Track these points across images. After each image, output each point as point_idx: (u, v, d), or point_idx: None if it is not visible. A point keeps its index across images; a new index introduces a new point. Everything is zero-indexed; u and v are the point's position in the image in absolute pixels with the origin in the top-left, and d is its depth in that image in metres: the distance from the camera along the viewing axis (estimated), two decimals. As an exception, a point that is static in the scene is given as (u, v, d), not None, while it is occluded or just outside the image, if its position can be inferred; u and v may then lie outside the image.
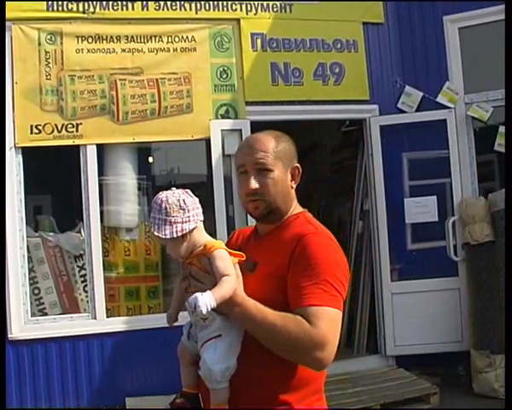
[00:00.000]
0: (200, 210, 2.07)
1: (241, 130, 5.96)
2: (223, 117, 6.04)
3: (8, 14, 5.35)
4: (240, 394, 1.99)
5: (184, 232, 1.99)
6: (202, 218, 2.07)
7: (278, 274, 2.02)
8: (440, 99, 6.39)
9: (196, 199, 2.07)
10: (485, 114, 6.27)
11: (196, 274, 1.99)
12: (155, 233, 1.99)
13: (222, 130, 5.93)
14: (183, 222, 1.99)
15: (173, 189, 2.07)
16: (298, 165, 2.21)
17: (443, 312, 6.21)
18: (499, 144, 6.15)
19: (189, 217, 2.01)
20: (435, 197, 6.32)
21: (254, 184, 2.10)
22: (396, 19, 6.63)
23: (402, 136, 6.55)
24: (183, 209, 2.01)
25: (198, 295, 1.85)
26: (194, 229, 2.02)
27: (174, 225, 1.98)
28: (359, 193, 6.99)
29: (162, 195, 2.03)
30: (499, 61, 5.44)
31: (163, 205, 2.00)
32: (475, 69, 6.46)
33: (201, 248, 2.02)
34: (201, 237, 2.05)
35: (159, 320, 5.78)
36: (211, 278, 1.96)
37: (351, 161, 7.54)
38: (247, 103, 6.12)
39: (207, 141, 5.96)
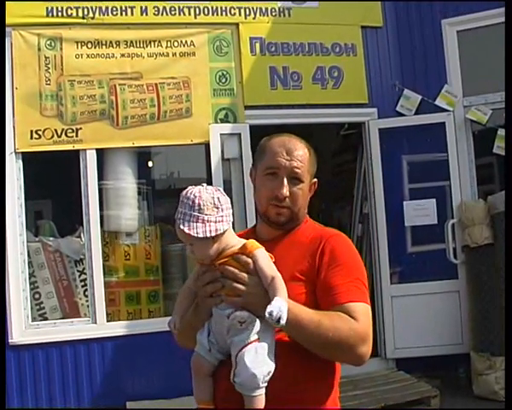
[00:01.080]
0: (231, 211, 1.95)
1: (240, 134, 5.97)
2: (222, 121, 6.05)
3: (8, 20, 5.38)
4: (277, 398, 1.91)
5: (218, 233, 1.88)
6: (232, 219, 1.95)
7: (305, 277, 2.01)
8: (439, 102, 6.40)
9: (228, 198, 1.95)
10: (484, 117, 6.28)
11: (235, 275, 1.89)
12: (186, 230, 1.85)
13: (221, 134, 5.94)
14: (216, 222, 1.87)
15: (204, 185, 1.94)
16: (316, 180, 2.21)
17: (443, 314, 6.22)
18: (498, 147, 6.16)
19: (222, 217, 1.89)
20: (434, 200, 6.32)
21: (287, 191, 2.07)
22: (394, 22, 6.64)
23: (401, 139, 6.56)
24: (218, 208, 1.89)
25: (278, 304, 1.76)
26: (226, 230, 1.92)
27: (207, 224, 1.86)
28: (359, 196, 7.00)
29: (194, 189, 1.90)
30: (498, 64, 5.45)
31: (196, 201, 1.87)
32: (474, 72, 6.47)
33: (239, 247, 1.93)
34: (232, 239, 1.96)
35: (159, 324, 5.81)
36: (255, 279, 1.89)
37: (350, 165, 7.55)
38: (247, 107, 6.13)
39: (207, 145, 5.97)
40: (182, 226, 1.86)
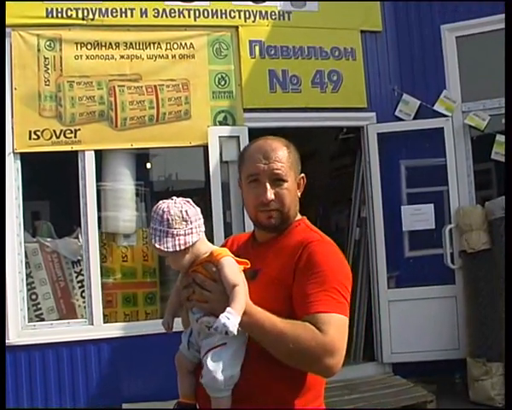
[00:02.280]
0: (202, 221, 2.02)
1: (238, 137, 5.97)
2: (221, 124, 6.06)
3: (8, 21, 5.37)
4: (244, 402, 1.96)
5: (187, 245, 1.95)
6: (204, 228, 2.03)
7: (283, 282, 2.01)
8: (438, 107, 6.41)
9: (198, 209, 2.03)
10: (483, 123, 6.29)
11: (202, 282, 1.95)
12: (157, 245, 1.93)
13: (220, 136, 5.95)
14: (185, 234, 1.95)
15: (174, 198, 2.01)
16: (303, 175, 2.20)
17: (439, 319, 6.22)
18: (496, 153, 6.17)
19: (191, 229, 1.96)
20: (432, 205, 6.33)
21: (271, 195, 2.08)
22: (394, 27, 6.65)
23: (399, 144, 6.56)
24: (186, 221, 1.96)
25: (224, 319, 1.80)
26: (197, 241, 1.98)
27: (177, 238, 1.93)
28: (357, 200, 7.00)
29: (163, 205, 1.97)
30: (496, 70, 5.47)
31: (165, 216, 1.94)
32: (472, 78, 6.48)
33: (207, 255, 1.99)
34: (204, 247, 2.02)
35: (156, 326, 5.77)
36: (218, 287, 1.93)
37: (348, 169, 7.55)
38: (245, 110, 6.13)
39: (205, 147, 5.98)
40: (153, 242, 1.94)
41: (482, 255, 5.97)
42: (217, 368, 1.89)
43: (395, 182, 6.52)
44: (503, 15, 5.07)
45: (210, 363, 1.91)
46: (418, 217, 6.32)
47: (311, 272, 1.97)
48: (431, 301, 6.21)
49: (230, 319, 1.80)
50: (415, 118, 6.47)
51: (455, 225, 6.23)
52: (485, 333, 5.85)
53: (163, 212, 1.95)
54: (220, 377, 1.89)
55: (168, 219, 1.93)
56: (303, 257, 2.01)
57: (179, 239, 1.93)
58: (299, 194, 2.18)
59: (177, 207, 1.97)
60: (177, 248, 1.93)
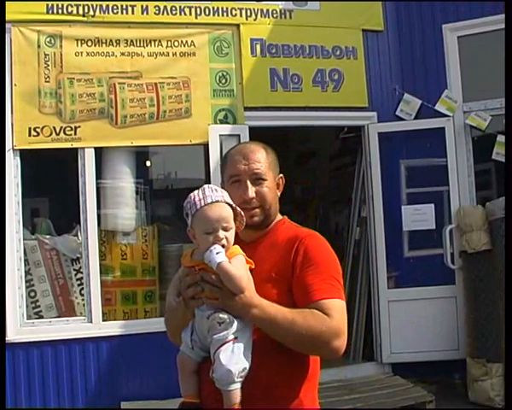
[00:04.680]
0: None
1: (239, 135, 5.96)
2: (221, 122, 6.04)
3: (8, 17, 5.35)
4: (253, 394, 2.02)
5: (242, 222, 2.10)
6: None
7: (281, 277, 2.12)
8: (439, 107, 6.40)
9: None
10: (484, 123, 6.28)
11: (212, 279, 1.97)
12: (213, 198, 2.04)
13: (220, 135, 5.93)
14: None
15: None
16: (281, 175, 2.33)
17: (439, 320, 6.21)
18: (497, 153, 6.16)
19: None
20: (433, 205, 6.32)
21: (252, 192, 2.20)
22: (395, 27, 6.65)
23: (400, 143, 6.55)
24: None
25: (217, 248, 1.95)
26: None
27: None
28: (357, 199, 6.99)
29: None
30: (498, 71, 5.45)
31: (219, 190, 2.08)
32: (474, 78, 6.47)
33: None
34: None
35: (155, 324, 5.79)
36: None
37: (349, 168, 7.55)
38: (246, 109, 6.12)
39: (205, 146, 5.96)
40: (205, 201, 2.05)
41: (482, 256, 5.95)
42: (230, 362, 1.95)
43: (396, 182, 6.51)
44: (504, 15, 5.05)
45: (223, 357, 1.96)
46: (418, 217, 6.31)
47: (309, 264, 2.11)
48: (431, 302, 6.21)
49: (218, 254, 1.95)
50: (416, 118, 6.46)
51: (455, 225, 6.22)
52: (485, 334, 5.84)
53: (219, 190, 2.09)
54: (234, 369, 1.94)
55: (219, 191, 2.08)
56: (300, 251, 2.14)
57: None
58: (278, 193, 2.31)
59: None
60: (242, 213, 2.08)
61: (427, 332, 6.16)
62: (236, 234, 2.21)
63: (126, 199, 6.23)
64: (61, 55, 5.72)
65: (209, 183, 5.92)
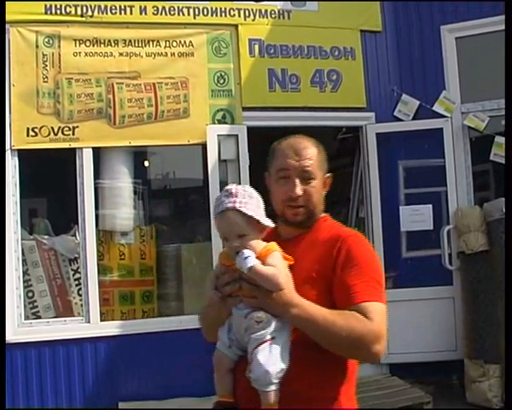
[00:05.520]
0: None
1: (237, 135, 5.97)
2: (219, 122, 6.04)
3: (6, 17, 5.34)
4: (290, 393, 1.98)
5: (264, 225, 2.01)
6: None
7: (321, 276, 2.07)
8: (437, 108, 6.40)
9: None
10: (482, 124, 6.29)
11: (251, 278, 1.94)
12: (237, 206, 1.97)
13: (218, 135, 5.94)
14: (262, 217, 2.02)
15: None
16: (330, 174, 2.26)
17: (437, 321, 6.21)
18: (495, 154, 6.17)
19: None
20: (431, 206, 6.32)
21: (300, 190, 2.14)
22: (394, 27, 6.65)
23: (398, 144, 6.56)
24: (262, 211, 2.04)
25: (245, 253, 1.90)
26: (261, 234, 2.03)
27: (260, 213, 2.00)
28: (355, 200, 7.00)
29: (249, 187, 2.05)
30: (496, 72, 5.46)
31: (254, 194, 2.02)
32: (472, 79, 6.48)
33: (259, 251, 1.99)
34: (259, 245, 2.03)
35: (153, 325, 5.81)
36: None
37: (347, 168, 7.54)
38: (244, 109, 6.12)
39: (204, 146, 5.96)
40: (232, 204, 1.99)
41: (480, 257, 5.96)
42: (268, 362, 1.91)
43: (394, 182, 6.51)
44: (502, 16, 5.05)
45: (261, 357, 1.92)
46: (416, 218, 6.31)
47: (351, 265, 2.05)
48: (429, 302, 6.21)
49: (250, 256, 1.90)
50: (414, 118, 6.47)
51: (453, 226, 6.22)
52: (483, 335, 5.84)
53: (250, 190, 2.02)
54: (272, 370, 1.91)
55: (256, 197, 2.02)
56: (342, 251, 2.08)
57: (262, 216, 2.00)
58: (324, 193, 2.24)
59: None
60: (259, 218, 1.98)
61: (424, 333, 6.16)
62: (276, 230, 2.22)
63: (124, 199, 6.23)
64: (60, 55, 5.72)
65: (207, 183, 5.99)
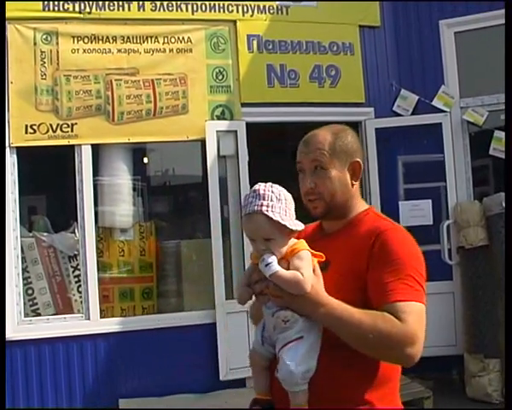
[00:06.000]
0: None
1: (236, 131, 5.96)
2: (218, 118, 6.04)
3: (4, 14, 5.34)
4: (320, 394, 1.93)
5: (292, 228, 1.92)
6: None
7: (355, 273, 1.98)
8: (436, 103, 6.39)
9: None
10: (481, 119, 6.28)
11: None
12: (263, 209, 1.89)
13: (217, 131, 5.93)
14: (291, 220, 1.94)
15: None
16: (358, 159, 2.13)
17: (437, 315, 6.19)
18: (494, 149, 6.16)
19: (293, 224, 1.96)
20: (430, 201, 6.32)
21: (310, 183, 2.08)
22: (392, 22, 6.64)
23: (397, 139, 6.54)
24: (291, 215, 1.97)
25: (266, 259, 1.86)
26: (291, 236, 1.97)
27: (287, 216, 1.92)
28: (354, 196, 6.98)
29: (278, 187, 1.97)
30: (495, 66, 5.46)
31: (282, 196, 1.93)
32: (471, 74, 6.47)
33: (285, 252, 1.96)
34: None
35: (153, 321, 5.81)
36: None
37: (346, 164, 7.53)
38: (243, 105, 6.11)
39: (203, 142, 5.96)
40: (259, 207, 1.91)
41: (480, 251, 5.96)
42: (293, 362, 1.87)
43: (393, 177, 6.50)
44: (501, 11, 5.05)
45: (286, 357, 1.89)
46: (416, 213, 6.31)
47: (386, 261, 1.94)
48: (428, 297, 5.99)
49: (272, 260, 1.86)
50: (413, 113, 6.46)
51: (453, 220, 6.22)
52: (483, 329, 5.84)
53: (279, 192, 1.93)
54: (297, 370, 1.87)
55: (284, 199, 1.93)
56: (376, 246, 1.98)
57: (291, 219, 1.92)
58: (354, 181, 2.13)
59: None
60: (286, 224, 1.89)
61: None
62: (321, 224, 2.20)
63: (124, 196, 6.23)
64: (58, 52, 5.70)
65: (206, 179, 5.98)
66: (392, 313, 1.86)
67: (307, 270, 1.89)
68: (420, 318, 1.91)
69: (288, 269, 1.89)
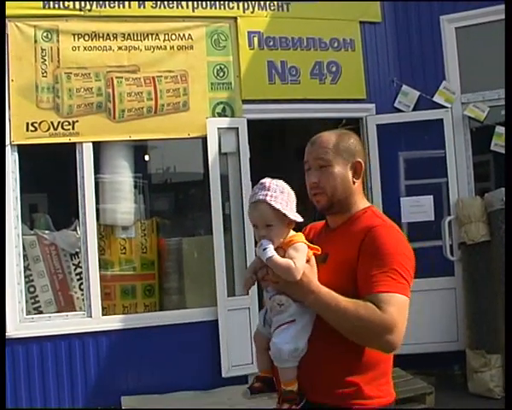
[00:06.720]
0: None
1: (237, 128, 5.96)
2: (219, 115, 6.03)
3: (5, 11, 5.34)
4: (311, 374, 2.12)
5: (291, 219, 2.13)
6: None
7: (348, 265, 2.14)
8: (437, 98, 6.39)
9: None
10: (482, 114, 6.27)
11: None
12: (267, 199, 2.09)
13: (218, 128, 5.93)
14: (292, 212, 2.14)
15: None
16: (360, 160, 2.29)
17: (438, 311, 6.21)
18: (496, 144, 6.16)
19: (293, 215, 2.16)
20: (431, 197, 6.32)
21: (314, 178, 2.25)
22: (393, 18, 6.63)
23: (398, 135, 6.54)
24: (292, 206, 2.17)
25: (264, 244, 2.06)
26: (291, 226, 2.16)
27: (288, 207, 2.12)
28: (356, 192, 6.97)
29: (279, 181, 2.18)
30: (496, 61, 5.45)
31: (285, 190, 2.15)
32: (472, 69, 6.46)
33: (283, 241, 2.14)
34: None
35: (154, 318, 5.82)
36: None
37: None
38: (244, 102, 6.11)
39: (204, 139, 5.96)
40: (263, 196, 2.12)
41: (481, 247, 5.96)
42: (281, 341, 2.08)
43: (394, 173, 6.50)
44: (502, 6, 5.03)
45: (276, 336, 2.11)
46: (417, 209, 6.31)
47: (374, 255, 2.10)
48: (430, 293, 6.19)
49: (269, 244, 2.07)
50: (414, 109, 6.46)
51: (454, 216, 6.22)
52: (485, 325, 5.84)
53: (283, 186, 2.16)
54: (285, 348, 2.07)
55: (287, 193, 2.15)
56: (366, 241, 2.14)
57: (291, 210, 2.13)
58: (356, 179, 2.30)
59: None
60: (286, 212, 2.10)
61: (426, 324, 6.14)
62: (327, 221, 2.38)
63: (125, 193, 6.23)
64: (58, 49, 5.70)
65: (208, 176, 5.99)
66: (374, 303, 2.02)
67: (300, 260, 2.07)
68: (400, 309, 2.09)
69: (283, 257, 2.07)
